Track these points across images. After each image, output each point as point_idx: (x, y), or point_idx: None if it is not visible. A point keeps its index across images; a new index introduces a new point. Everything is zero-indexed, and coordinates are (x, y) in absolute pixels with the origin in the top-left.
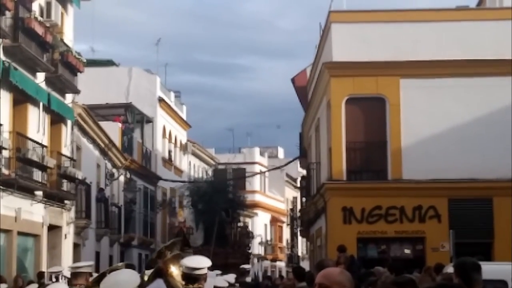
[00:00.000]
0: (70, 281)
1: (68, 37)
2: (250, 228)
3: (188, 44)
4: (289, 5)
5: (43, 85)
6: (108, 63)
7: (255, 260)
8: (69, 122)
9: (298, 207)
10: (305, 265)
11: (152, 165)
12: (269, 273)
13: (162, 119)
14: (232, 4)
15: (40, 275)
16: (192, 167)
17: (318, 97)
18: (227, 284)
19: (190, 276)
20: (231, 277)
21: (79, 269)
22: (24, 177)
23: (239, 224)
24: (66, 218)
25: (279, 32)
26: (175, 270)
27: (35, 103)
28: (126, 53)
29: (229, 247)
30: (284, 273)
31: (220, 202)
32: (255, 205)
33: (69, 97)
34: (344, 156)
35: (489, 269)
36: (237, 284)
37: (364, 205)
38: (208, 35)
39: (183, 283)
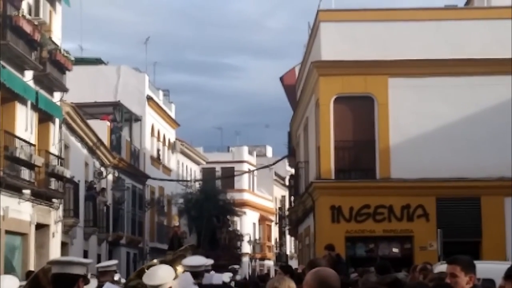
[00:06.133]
0: (97, 278)
1: (57, 36)
2: (238, 227)
3: (176, 43)
4: (278, 5)
5: (31, 83)
6: (97, 61)
7: (247, 259)
8: (57, 121)
9: (287, 205)
10: (294, 264)
11: (141, 163)
12: (257, 272)
13: (150, 118)
14: (221, 4)
15: (29, 274)
16: (181, 165)
17: (307, 96)
18: (228, 279)
19: (193, 273)
20: (227, 276)
21: (107, 268)
22: (11, 176)
23: (229, 229)
24: (54, 217)
25: (268, 32)
26: (179, 268)
27: (23, 102)
28: (115, 51)
29: (219, 250)
30: (272, 272)
31: (211, 209)
32: (244, 204)
33: (57, 96)
34: (333, 155)
35: (477, 268)
36: (232, 282)
37: (352, 204)
38: (197, 34)
39: None
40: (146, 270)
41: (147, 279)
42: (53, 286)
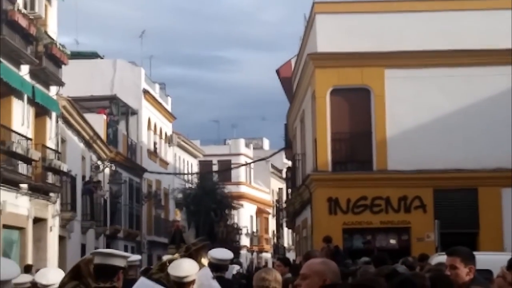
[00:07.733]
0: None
1: (52, 30)
2: (236, 219)
3: (172, 37)
4: None
5: (27, 77)
6: (93, 55)
7: (245, 252)
8: (53, 115)
9: (284, 198)
10: (291, 256)
11: (137, 157)
12: (255, 265)
13: (147, 111)
14: None
15: (28, 268)
16: (178, 159)
17: (303, 88)
18: (236, 272)
19: (218, 266)
20: (235, 269)
21: (131, 262)
22: (9, 170)
23: (227, 223)
24: (51, 211)
25: (263, 25)
26: (204, 259)
27: (20, 96)
28: (110, 45)
29: (217, 243)
30: (270, 264)
31: (210, 203)
32: (241, 197)
33: (53, 90)
34: (329, 147)
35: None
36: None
37: (349, 196)
38: (192, 28)
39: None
40: (168, 264)
41: (173, 270)
42: (95, 275)
